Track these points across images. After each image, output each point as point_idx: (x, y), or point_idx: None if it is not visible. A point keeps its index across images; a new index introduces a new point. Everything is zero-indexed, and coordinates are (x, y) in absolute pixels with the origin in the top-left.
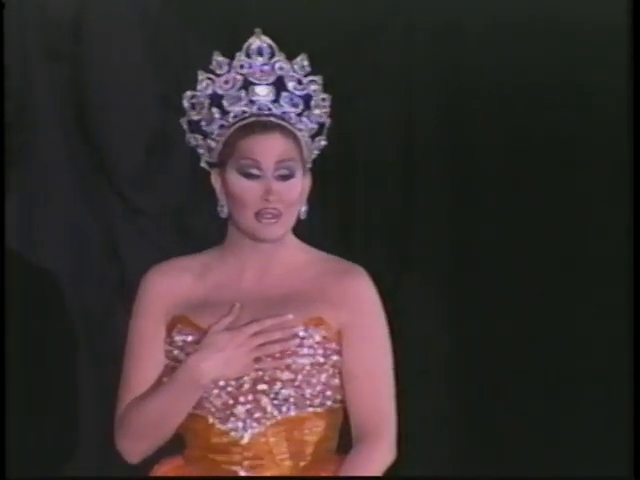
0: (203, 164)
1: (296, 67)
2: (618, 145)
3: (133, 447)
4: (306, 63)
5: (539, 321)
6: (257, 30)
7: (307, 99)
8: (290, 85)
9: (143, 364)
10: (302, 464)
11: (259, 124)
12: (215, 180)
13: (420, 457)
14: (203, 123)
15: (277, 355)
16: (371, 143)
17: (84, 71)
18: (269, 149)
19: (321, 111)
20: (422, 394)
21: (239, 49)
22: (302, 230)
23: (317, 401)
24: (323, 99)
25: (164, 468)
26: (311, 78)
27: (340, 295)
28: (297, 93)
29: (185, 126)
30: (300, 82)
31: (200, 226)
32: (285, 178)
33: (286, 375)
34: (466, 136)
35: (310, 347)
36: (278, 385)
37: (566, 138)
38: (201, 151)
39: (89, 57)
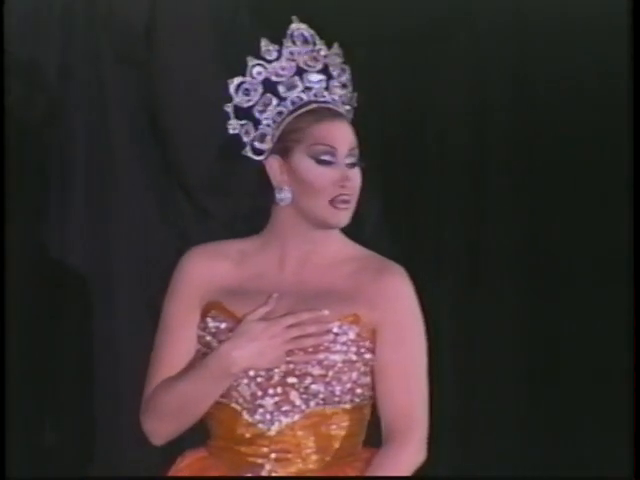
0: (248, 152)
1: (335, 55)
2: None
3: (158, 428)
4: (341, 52)
5: (538, 322)
6: (294, 17)
7: (346, 88)
8: (335, 73)
9: (175, 347)
10: (328, 459)
11: (326, 111)
12: (273, 167)
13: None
14: (257, 109)
15: (310, 350)
16: (443, 143)
17: (157, 73)
18: (343, 136)
19: (352, 101)
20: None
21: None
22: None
23: (346, 398)
24: (352, 90)
25: (187, 460)
26: (346, 66)
27: (377, 293)
28: (340, 81)
29: (230, 112)
30: (342, 70)
31: None
32: (353, 166)
33: (317, 370)
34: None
35: (343, 344)
36: (308, 380)
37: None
38: (248, 138)
39: (161, 59)
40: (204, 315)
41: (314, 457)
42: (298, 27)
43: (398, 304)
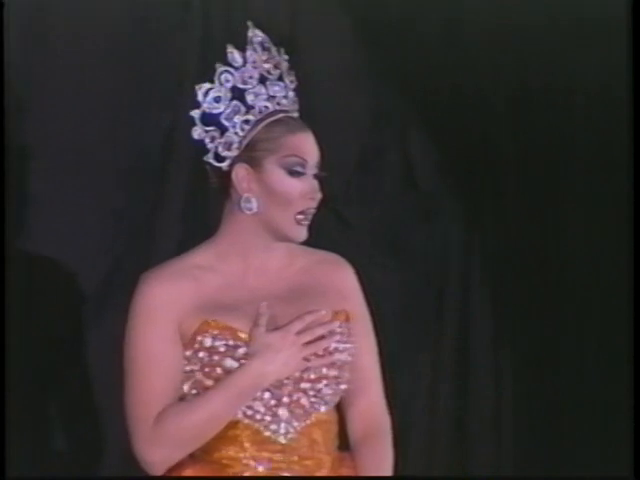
0: (210, 159)
1: (285, 61)
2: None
3: (169, 457)
4: (287, 58)
5: (526, 309)
6: (249, 23)
7: (296, 95)
8: (288, 81)
9: (167, 371)
10: (333, 459)
11: (294, 122)
12: (239, 175)
13: (420, 455)
14: (225, 116)
15: (320, 352)
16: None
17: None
18: (313, 147)
19: (295, 107)
20: (428, 392)
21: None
22: None
23: (339, 397)
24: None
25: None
26: (292, 72)
27: (344, 286)
28: (292, 87)
29: (197, 118)
30: (292, 77)
31: (411, 239)
32: (317, 177)
33: (333, 372)
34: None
35: (346, 342)
36: (323, 383)
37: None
38: (213, 145)
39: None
40: (197, 335)
41: (326, 459)
42: (255, 34)
43: (359, 295)
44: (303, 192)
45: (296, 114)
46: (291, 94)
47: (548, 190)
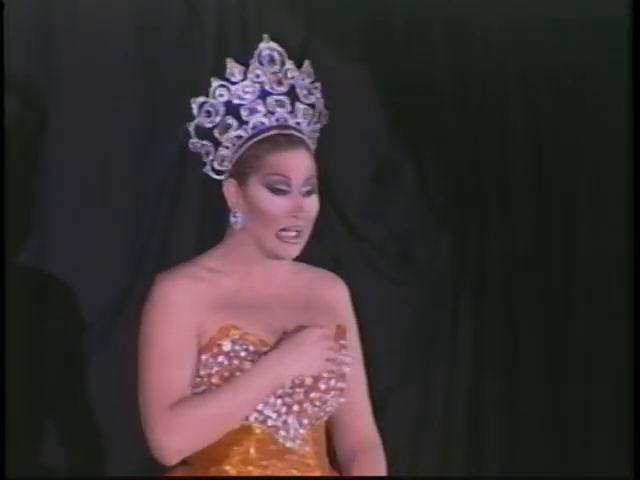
0: (208, 171)
1: (304, 75)
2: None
3: (183, 445)
4: (311, 70)
5: (538, 321)
6: (265, 36)
7: (314, 108)
8: (301, 94)
9: (185, 363)
10: (327, 467)
11: (286, 139)
12: (229, 190)
13: (419, 455)
14: (217, 131)
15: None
16: None
17: None
18: (299, 166)
19: (322, 120)
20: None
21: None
22: None
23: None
24: (322, 107)
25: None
26: (316, 85)
27: (342, 302)
28: (307, 102)
29: (192, 131)
30: (309, 91)
31: (424, 253)
32: (309, 194)
33: (340, 384)
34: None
35: (349, 355)
36: (330, 394)
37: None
38: (209, 158)
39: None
40: (216, 339)
41: (318, 470)
42: (267, 46)
43: (352, 311)
44: (286, 210)
45: (307, 127)
46: (301, 107)
47: (559, 204)
